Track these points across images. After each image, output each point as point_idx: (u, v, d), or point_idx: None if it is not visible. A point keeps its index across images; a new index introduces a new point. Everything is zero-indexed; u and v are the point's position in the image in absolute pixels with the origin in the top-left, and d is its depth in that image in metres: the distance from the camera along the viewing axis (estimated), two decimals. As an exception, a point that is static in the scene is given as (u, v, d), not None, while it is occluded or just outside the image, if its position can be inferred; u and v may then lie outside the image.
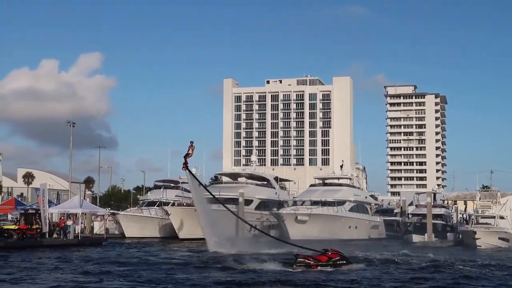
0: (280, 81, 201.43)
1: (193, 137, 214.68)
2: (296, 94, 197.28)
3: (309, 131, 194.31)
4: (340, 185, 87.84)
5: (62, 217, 60.61)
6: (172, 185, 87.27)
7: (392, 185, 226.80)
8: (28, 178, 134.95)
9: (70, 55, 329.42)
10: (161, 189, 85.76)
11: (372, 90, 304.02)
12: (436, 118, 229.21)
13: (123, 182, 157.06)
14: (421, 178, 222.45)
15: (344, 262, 35.47)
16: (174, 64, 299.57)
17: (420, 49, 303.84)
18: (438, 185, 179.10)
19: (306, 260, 34.71)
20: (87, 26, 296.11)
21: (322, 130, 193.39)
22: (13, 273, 32.14)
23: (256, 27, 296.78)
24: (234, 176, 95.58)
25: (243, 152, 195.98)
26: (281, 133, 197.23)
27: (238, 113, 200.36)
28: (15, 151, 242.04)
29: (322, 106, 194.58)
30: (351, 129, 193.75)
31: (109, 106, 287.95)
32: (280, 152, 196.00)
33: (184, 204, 75.40)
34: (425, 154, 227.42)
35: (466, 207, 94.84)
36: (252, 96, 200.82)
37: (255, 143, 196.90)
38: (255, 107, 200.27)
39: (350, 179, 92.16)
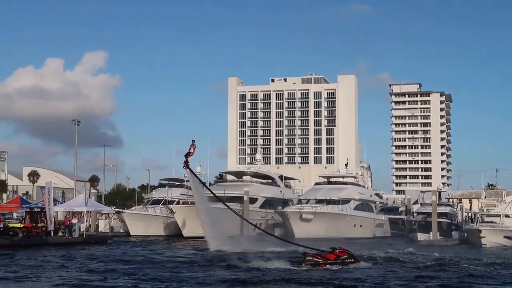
0: (285, 80, 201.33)
1: (198, 135, 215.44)
2: (301, 93, 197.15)
3: (314, 129, 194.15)
4: (345, 183, 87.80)
5: (67, 216, 60.77)
6: (177, 183, 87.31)
7: (397, 184, 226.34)
8: (33, 176, 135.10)
9: (75, 54, 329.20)
10: (166, 188, 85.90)
11: (377, 89, 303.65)
12: (441, 117, 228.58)
13: (128, 181, 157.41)
14: (426, 177, 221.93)
15: (352, 260, 35.56)
16: (179, 62, 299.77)
17: (425, 47, 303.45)
18: (443, 183, 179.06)
19: (315, 259, 34.76)
20: (92, 24, 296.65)
21: (327, 129, 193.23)
22: (18, 271, 32.23)
23: (261, 26, 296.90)
24: (239, 175, 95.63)
25: (248, 151, 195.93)
26: (286, 132, 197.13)
27: (243, 111, 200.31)
28: (20, 150, 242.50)
29: (327, 104, 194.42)
30: (356, 128, 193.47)
31: (114, 105, 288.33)
32: (285, 150, 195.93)
33: (189, 202, 75.41)
34: (430, 153, 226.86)
35: (471, 205, 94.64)
36: (257, 94, 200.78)
37: (260, 141, 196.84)
38: (260, 105, 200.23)
39: (355, 177, 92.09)
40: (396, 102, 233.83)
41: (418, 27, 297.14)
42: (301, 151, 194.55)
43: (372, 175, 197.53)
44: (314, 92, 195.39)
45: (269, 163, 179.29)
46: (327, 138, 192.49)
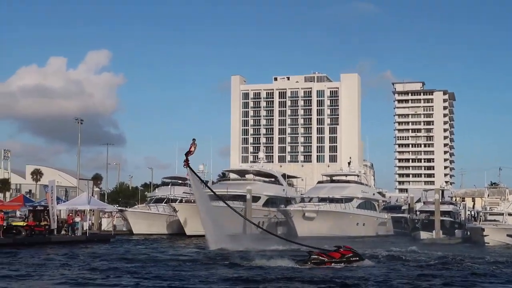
0: (288, 78, 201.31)
1: (201, 134, 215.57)
2: (304, 91, 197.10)
3: (317, 128, 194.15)
4: (348, 182, 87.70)
5: (70, 214, 60.84)
6: (180, 182, 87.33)
7: (400, 182, 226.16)
8: (37, 175, 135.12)
9: (78, 53, 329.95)
10: (169, 186, 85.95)
11: (380, 87, 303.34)
12: (444, 115, 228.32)
13: (131, 179, 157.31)
14: (429, 175, 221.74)
15: (357, 258, 35.58)
16: (182, 61, 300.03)
17: (428, 45, 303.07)
18: (446, 182, 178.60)
19: (320, 257, 34.77)
20: (95, 23, 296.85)
21: (329, 127, 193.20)
22: (21, 269, 32.26)
23: (264, 24, 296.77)
24: (241, 173, 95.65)
25: (250, 149, 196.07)
26: (288, 130, 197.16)
27: (246, 110, 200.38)
28: (24, 148, 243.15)
29: (330, 103, 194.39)
30: (358, 126, 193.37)
31: (117, 103, 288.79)
32: (288, 149, 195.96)
33: (192, 201, 75.39)
34: (433, 151, 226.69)
35: (474, 204, 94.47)
36: (259, 93, 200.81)
37: (263, 140, 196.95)
38: (263, 104, 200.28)
39: (358, 176, 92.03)
40: (399, 101, 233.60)
41: (421, 26, 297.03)
42: (304, 149, 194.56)
43: (375, 173, 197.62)
44: (317, 91, 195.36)
45: (272, 162, 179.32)
46: (330, 137, 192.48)
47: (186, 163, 48.04)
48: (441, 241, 71.86)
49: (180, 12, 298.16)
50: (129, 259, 38.86)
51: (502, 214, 68.69)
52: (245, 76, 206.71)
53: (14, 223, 55.57)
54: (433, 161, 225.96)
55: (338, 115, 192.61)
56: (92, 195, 71.02)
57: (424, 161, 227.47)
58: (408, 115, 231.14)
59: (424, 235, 76.36)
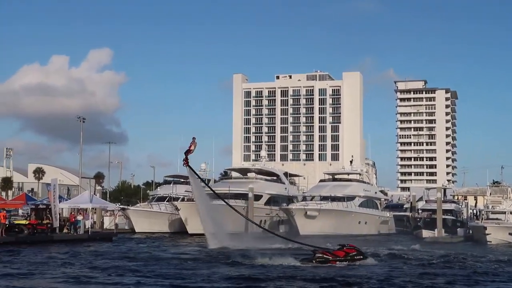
0: (290, 77, 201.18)
1: (203, 132, 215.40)
2: (306, 89, 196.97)
3: (319, 126, 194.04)
4: (350, 180, 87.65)
5: (73, 212, 60.93)
6: (182, 180, 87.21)
7: (402, 181, 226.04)
8: (39, 173, 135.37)
9: (80, 51, 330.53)
10: (171, 184, 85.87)
11: (382, 85, 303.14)
12: (447, 113, 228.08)
13: (133, 177, 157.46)
14: (431, 174, 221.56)
15: (361, 257, 35.68)
16: (184, 59, 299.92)
17: (430, 44, 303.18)
18: (448, 180, 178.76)
19: (325, 256, 34.84)
20: (97, 22, 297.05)
21: (331, 125, 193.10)
22: (23, 267, 32.31)
23: (266, 23, 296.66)
24: (243, 172, 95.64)
25: (252, 148, 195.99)
26: (290, 128, 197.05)
27: (248, 108, 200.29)
28: (26, 147, 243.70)
29: (332, 101, 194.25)
30: (361, 124, 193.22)
31: (119, 102, 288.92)
32: (290, 147, 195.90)
33: (194, 199, 75.43)
34: (435, 149, 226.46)
35: (476, 202, 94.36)
36: (261, 91, 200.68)
37: (265, 138, 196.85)
38: (265, 102, 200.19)
39: (360, 174, 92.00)
40: (401, 99, 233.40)
41: (423, 24, 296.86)
42: (306, 148, 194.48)
43: (377, 172, 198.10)
44: (319, 89, 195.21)
45: (274, 160, 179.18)
46: (332, 135, 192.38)
47: (186, 162, 47.74)
48: (443, 240, 71.83)
49: (182, 10, 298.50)
50: (131, 258, 38.91)
51: (504, 213, 68.63)
52: (247, 74, 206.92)
53: (16, 222, 55.55)
54: (435, 160, 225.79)
55: (340, 113, 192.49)
56: (94, 194, 71.07)
57: (426, 160, 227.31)
58: (410, 113, 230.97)
59: (426, 233, 76.27)
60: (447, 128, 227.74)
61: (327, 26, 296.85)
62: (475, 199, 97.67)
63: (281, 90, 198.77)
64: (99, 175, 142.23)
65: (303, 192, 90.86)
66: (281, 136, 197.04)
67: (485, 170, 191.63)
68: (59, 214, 57.13)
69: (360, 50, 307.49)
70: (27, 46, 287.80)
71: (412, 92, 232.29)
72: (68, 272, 30.62)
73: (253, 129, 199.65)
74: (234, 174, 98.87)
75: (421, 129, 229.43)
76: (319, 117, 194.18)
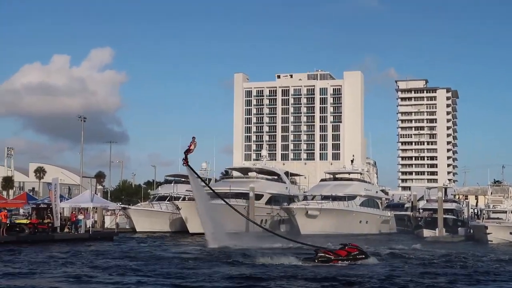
0: (291, 76, 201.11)
1: (204, 131, 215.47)
2: (307, 89, 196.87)
3: (320, 125, 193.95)
4: (351, 179, 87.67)
5: (74, 212, 60.92)
6: (183, 179, 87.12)
7: (403, 180, 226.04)
8: (40, 172, 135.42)
9: (81, 50, 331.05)
10: (172, 184, 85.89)
11: (383, 85, 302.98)
12: (448, 113, 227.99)
13: (134, 177, 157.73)
14: (432, 173, 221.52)
15: (363, 256, 35.72)
16: (185, 58, 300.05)
17: (432, 43, 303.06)
18: (449, 179, 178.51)
19: (327, 255, 34.88)
20: (98, 21, 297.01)
21: (332, 125, 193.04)
22: (24, 267, 32.32)
23: (267, 22, 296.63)
24: (244, 171, 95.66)
25: (253, 147, 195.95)
26: (291, 128, 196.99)
27: (249, 107, 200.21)
28: (27, 146, 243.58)
29: (333, 100, 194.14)
30: (361, 124, 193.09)
31: (120, 101, 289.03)
32: (291, 146, 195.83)
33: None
34: (436, 149, 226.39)
35: (477, 201, 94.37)
36: (262, 90, 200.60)
37: (266, 137, 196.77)
38: (266, 101, 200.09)
39: (361, 173, 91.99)
40: (402, 98, 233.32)
41: (424, 23, 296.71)
42: (307, 147, 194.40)
43: (378, 171, 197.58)
44: (320, 88, 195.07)
45: (275, 160, 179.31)
46: (333, 135, 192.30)
47: (185, 161, 47.60)
48: (444, 239, 71.86)
49: (182, 10, 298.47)
50: (132, 257, 38.92)
51: (505, 212, 68.58)
52: (248, 73, 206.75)
53: (17, 221, 55.66)
54: (436, 159, 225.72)
55: (341, 113, 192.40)
56: (95, 193, 71.09)
57: (427, 159, 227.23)
58: (411, 112, 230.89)
59: (427, 233, 76.28)
60: (448, 128, 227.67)
61: (328, 25, 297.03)
62: (476, 198, 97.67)
63: (282, 90, 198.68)
64: (100, 174, 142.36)
65: (304, 192, 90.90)
66: (282, 135, 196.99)
67: (486, 170, 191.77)
68: (60, 213, 57.08)
69: (361, 49, 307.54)
70: (28, 45, 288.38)
71: (413, 92, 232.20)
72: (69, 271, 30.62)
73: (254, 129, 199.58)
74: (235, 173, 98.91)
75: (422, 128, 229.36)
76: (320, 116, 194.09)
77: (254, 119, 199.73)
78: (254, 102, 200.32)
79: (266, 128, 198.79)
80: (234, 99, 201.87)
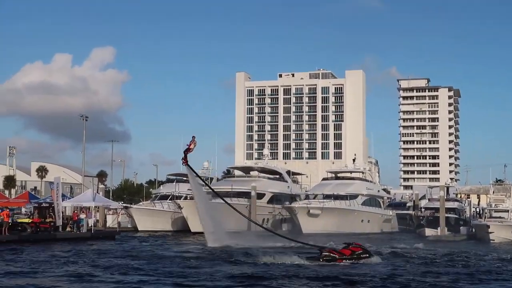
0: (293, 75, 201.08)
1: (206, 130, 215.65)
2: (309, 88, 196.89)
3: (322, 124, 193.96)
4: (353, 178, 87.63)
5: (75, 211, 60.88)
6: (185, 178, 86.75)
7: (404, 179, 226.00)
8: (42, 172, 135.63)
9: (83, 49, 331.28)
10: (174, 183, 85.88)
11: (385, 84, 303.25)
12: (449, 112, 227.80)
13: (135, 176, 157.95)
14: (434, 172, 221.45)
15: (367, 255, 35.80)
16: (187, 58, 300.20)
17: (434, 42, 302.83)
18: (451, 178, 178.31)
19: (332, 254, 34.94)
20: (100, 20, 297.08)
21: (334, 124, 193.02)
22: (26, 266, 32.33)
23: (268, 21, 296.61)
24: (246, 170, 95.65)
25: (255, 146, 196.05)
26: (293, 127, 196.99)
27: (251, 106, 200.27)
28: (29, 145, 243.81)
29: (335, 99, 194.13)
30: (363, 123, 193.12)
31: (122, 100, 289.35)
32: (293, 145, 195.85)
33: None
34: (438, 148, 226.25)
35: (479, 200, 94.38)
36: (264, 89, 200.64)
37: (268, 136, 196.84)
38: (268, 100, 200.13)
39: (363, 172, 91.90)
40: (404, 97, 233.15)
41: (426, 22, 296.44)
42: (308, 146, 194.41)
43: (380, 170, 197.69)
44: (322, 87, 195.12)
45: (277, 159, 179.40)
46: (334, 134, 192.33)
47: (185, 161, 47.47)
48: (446, 238, 71.84)
49: (184, 9, 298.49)
50: (134, 256, 38.90)
51: (507, 211, 68.52)
52: (250, 72, 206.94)
53: (19, 220, 55.64)
54: (438, 158, 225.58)
55: (343, 111, 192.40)
56: (97, 192, 71.01)
57: (429, 158, 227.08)
58: (413, 111, 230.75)
59: (429, 232, 76.27)
60: (450, 127, 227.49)
61: (329, 25, 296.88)
62: (478, 197, 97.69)
63: (284, 89, 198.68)
64: (102, 173, 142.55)
65: (305, 191, 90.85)
66: (283, 134, 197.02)
67: (488, 169, 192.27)
68: (62, 212, 57.10)
69: (363, 48, 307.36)
70: (30, 44, 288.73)
71: (415, 91, 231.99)
72: (71, 270, 30.62)
73: (255, 128, 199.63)
74: (236, 172, 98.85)
75: (424, 127, 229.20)
76: (322, 115, 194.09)
77: (256, 118, 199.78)
78: (256, 101, 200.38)
79: (268, 127, 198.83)
80: (236, 98, 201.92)
